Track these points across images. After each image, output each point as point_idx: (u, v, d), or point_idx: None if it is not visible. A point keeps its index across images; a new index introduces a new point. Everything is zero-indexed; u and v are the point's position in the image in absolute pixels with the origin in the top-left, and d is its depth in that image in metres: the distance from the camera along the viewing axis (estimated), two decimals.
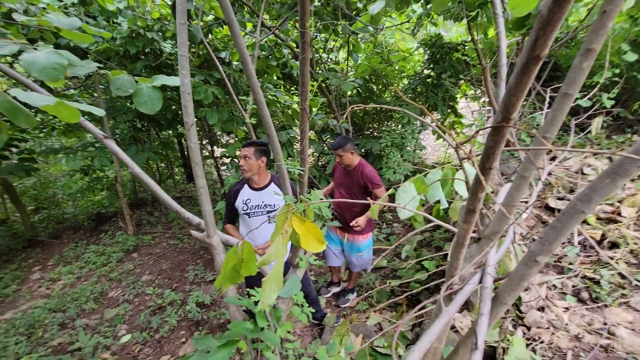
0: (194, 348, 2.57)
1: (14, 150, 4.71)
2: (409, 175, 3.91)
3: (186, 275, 3.76)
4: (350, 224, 2.49)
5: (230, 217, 2.18)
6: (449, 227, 1.05)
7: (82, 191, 5.25)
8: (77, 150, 4.92)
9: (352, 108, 0.76)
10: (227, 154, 3.84)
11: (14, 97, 0.88)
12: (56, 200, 6.78)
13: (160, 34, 3.70)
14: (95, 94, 4.66)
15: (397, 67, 4.89)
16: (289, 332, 1.29)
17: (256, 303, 1.37)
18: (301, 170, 1.07)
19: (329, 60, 4.87)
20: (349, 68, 4.28)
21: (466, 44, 4.28)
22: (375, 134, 5.16)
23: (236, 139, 4.59)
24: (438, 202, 1.42)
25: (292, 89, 5.39)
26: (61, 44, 3.23)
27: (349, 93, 4.62)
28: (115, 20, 3.77)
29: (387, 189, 4.43)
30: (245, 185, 2.10)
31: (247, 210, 2.06)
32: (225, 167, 4.66)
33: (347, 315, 2.55)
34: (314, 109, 4.37)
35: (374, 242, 3.67)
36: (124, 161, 1.48)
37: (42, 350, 2.77)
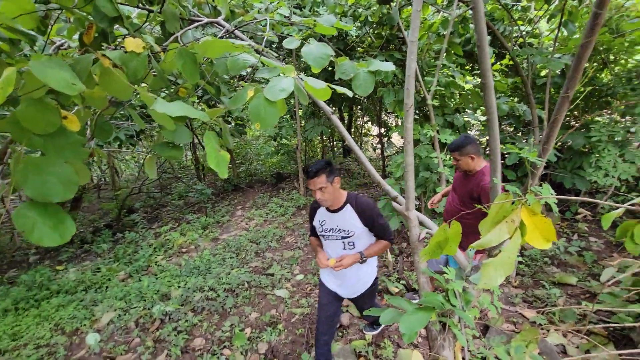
0: None
1: (232, 116, 6.27)
2: (628, 181, 3.01)
3: None
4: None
5: (314, 231, 2.03)
6: None
7: (271, 153, 6.57)
8: None
9: None
10: (399, 133, 3.96)
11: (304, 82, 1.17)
12: (249, 158, 8.73)
13: (352, 18, 4.03)
14: None
15: (628, 39, 3.71)
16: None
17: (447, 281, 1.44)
18: (540, 160, 1.01)
19: (526, 33, 4.15)
20: (556, 42, 3.54)
21: None
22: (574, 123, 4.17)
23: (400, 120, 4.66)
24: None
25: (468, 67, 4.93)
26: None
27: (545, 72, 3.85)
28: (315, 9, 4.34)
29: (588, 193, 3.54)
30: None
31: (322, 232, 1.92)
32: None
33: (518, 324, 2.31)
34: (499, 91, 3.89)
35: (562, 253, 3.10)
36: (342, 134, 1.76)
37: (246, 267, 3.76)
